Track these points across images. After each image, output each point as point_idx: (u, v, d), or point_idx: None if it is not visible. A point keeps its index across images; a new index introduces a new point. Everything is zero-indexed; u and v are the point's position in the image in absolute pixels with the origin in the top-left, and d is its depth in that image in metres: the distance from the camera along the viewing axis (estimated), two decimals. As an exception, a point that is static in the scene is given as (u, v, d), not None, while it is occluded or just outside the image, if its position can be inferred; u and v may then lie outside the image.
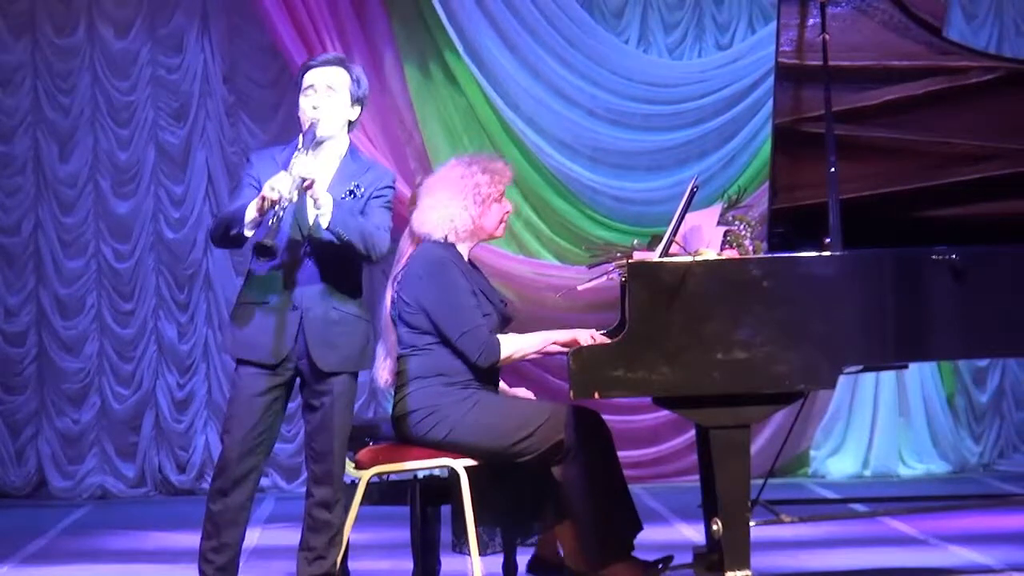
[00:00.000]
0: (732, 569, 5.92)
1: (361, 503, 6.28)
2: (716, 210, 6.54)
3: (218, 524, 5.85)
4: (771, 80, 6.66)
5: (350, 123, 5.99)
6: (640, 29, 11.40)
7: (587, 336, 6.19)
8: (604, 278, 6.69)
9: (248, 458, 5.84)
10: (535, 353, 6.39)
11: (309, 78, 5.92)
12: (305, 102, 5.91)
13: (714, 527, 6.00)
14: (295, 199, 5.71)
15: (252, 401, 5.84)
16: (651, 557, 6.35)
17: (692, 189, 6.28)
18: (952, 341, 6.13)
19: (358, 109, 5.98)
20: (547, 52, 11.15)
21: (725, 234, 6.41)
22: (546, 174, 11.17)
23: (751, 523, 5.97)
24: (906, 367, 7.90)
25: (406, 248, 6.71)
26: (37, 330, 11.17)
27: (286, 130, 11.06)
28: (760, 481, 6.55)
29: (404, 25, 11.12)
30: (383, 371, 6.63)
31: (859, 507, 7.84)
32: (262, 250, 5.66)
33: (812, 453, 11.28)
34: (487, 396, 6.29)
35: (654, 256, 6.14)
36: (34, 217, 11.16)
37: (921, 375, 11.16)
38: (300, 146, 5.79)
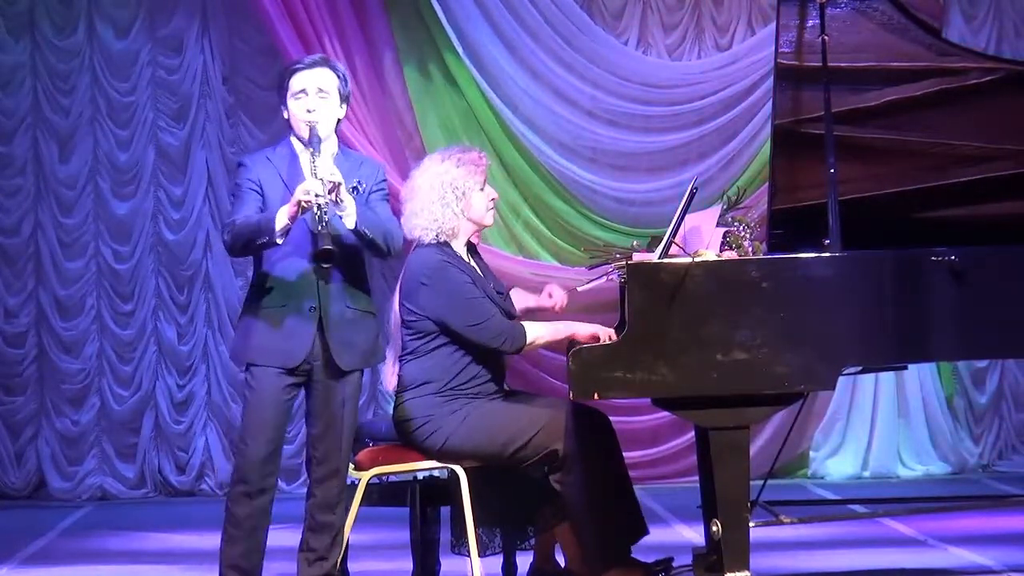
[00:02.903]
0: (732, 570, 5.92)
1: (361, 504, 6.28)
2: (715, 211, 6.54)
3: (245, 528, 5.81)
4: (770, 81, 6.66)
5: (339, 121, 5.97)
6: (639, 30, 11.40)
7: (607, 335, 6.19)
8: (604, 279, 6.69)
9: (271, 461, 5.83)
10: (555, 340, 6.38)
11: (299, 82, 5.88)
12: (298, 106, 5.87)
13: (713, 528, 6.00)
14: (328, 199, 5.66)
15: (275, 404, 5.80)
16: (651, 558, 6.36)
17: (692, 190, 6.29)
18: (951, 342, 6.13)
19: (345, 107, 5.97)
20: (547, 53, 11.15)
21: (724, 235, 6.41)
22: (545, 175, 11.17)
23: (750, 524, 5.97)
24: (905, 368, 7.91)
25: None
26: (37, 331, 11.17)
27: (286, 131, 11.05)
28: (759, 482, 6.55)
29: (404, 26, 11.12)
30: (391, 376, 6.64)
31: (858, 508, 7.84)
32: (324, 255, 5.60)
33: (811, 454, 11.28)
34: (479, 405, 6.27)
35: (654, 257, 6.15)
36: (34, 218, 11.17)
37: (920, 376, 11.15)
38: (312, 151, 5.73)
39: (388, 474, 6.42)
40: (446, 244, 6.36)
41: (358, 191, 5.84)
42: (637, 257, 6.38)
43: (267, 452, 5.81)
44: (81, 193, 11.17)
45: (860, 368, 6.60)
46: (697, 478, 6.68)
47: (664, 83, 11.26)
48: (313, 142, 5.78)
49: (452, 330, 6.25)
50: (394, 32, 11.11)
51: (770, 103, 6.44)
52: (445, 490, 6.40)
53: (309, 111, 5.85)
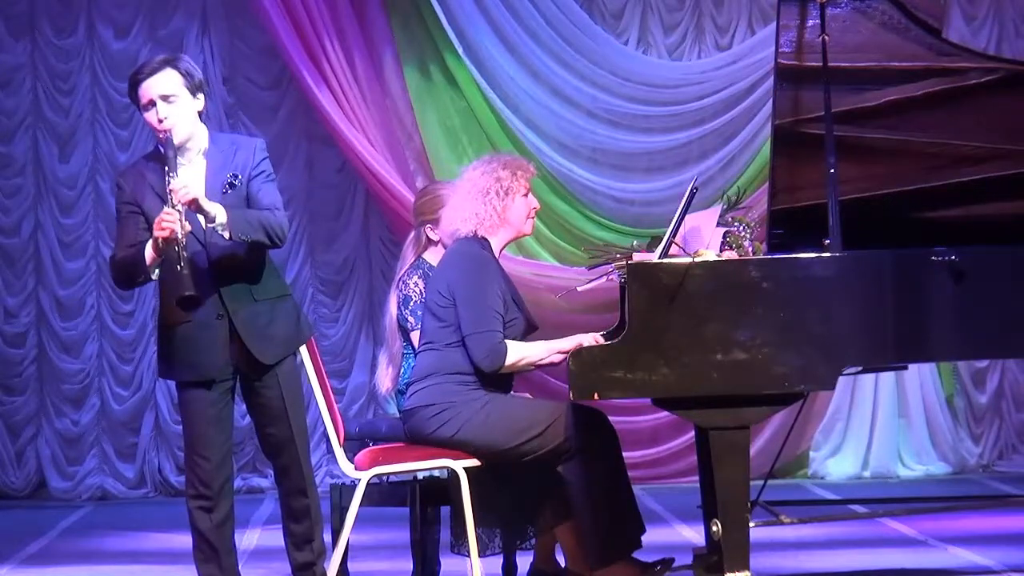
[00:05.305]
0: (732, 570, 5.92)
1: (361, 504, 6.27)
2: (715, 211, 6.54)
3: (213, 541, 5.78)
4: (771, 81, 6.66)
5: (200, 112, 5.82)
6: (640, 30, 11.41)
7: (590, 340, 6.16)
8: (604, 279, 6.69)
9: (223, 469, 5.79)
10: (540, 362, 6.32)
11: (143, 94, 5.78)
12: (150, 117, 5.76)
13: (713, 528, 6.00)
14: (188, 228, 5.57)
15: (209, 418, 5.75)
16: (651, 558, 6.35)
17: (692, 190, 6.28)
18: (951, 342, 6.12)
19: (202, 97, 5.82)
20: (547, 53, 11.15)
21: (724, 235, 6.41)
22: (546, 175, 11.16)
23: (751, 524, 5.97)
24: (905, 368, 7.90)
25: (409, 254, 6.71)
26: (37, 331, 11.18)
27: (286, 131, 11.09)
28: (760, 482, 6.55)
29: (404, 26, 11.13)
30: (385, 379, 6.61)
31: (859, 508, 7.83)
32: (185, 302, 5.55)
33: (812, 454, 11.29)
34: (497, 397, 6.27)
35: (654, 257, 6.14)
36: (34, 218, 11.18)
37: (920, 376, 11.16)
38: (168, 169, 5.61)
39: (388, 474, 6.41)
40: (485, 240, 6.35)
41: (234, 185, 5.73)
42: (637, 257, 6.37)
43: (216, 464, 5.76)
44: (81, 193, 11.18)
45: (860, 368, 6.59)
46: (697, 478, 6.68)
47: (664, 83, 11.26)
48: (168, 155, 5.65)
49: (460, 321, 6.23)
50: (394, 32, 11.12)
51: (770, 103, 6.43)
52: (445, 490, 6.39)
53: (160, 120, 5.73)
